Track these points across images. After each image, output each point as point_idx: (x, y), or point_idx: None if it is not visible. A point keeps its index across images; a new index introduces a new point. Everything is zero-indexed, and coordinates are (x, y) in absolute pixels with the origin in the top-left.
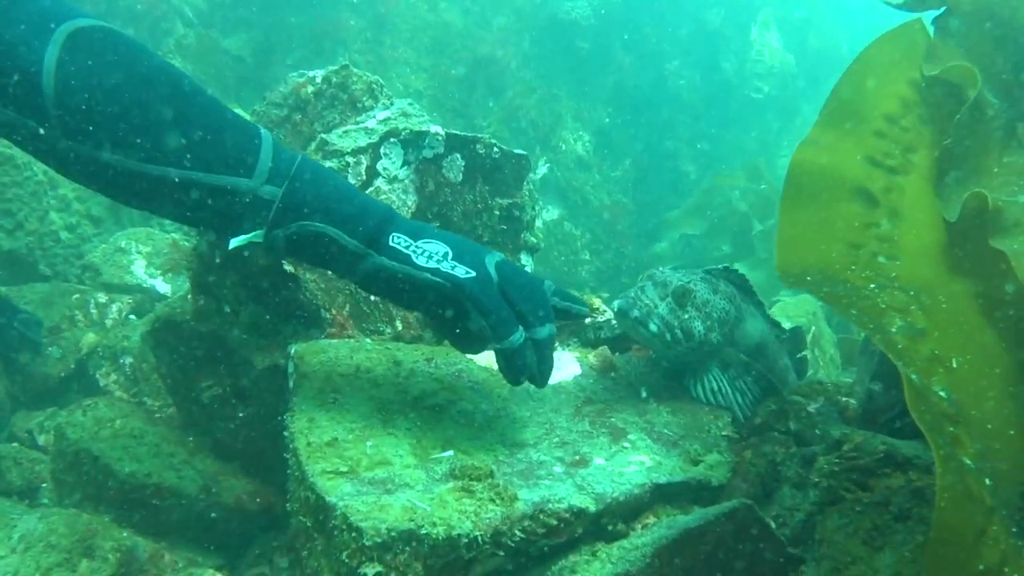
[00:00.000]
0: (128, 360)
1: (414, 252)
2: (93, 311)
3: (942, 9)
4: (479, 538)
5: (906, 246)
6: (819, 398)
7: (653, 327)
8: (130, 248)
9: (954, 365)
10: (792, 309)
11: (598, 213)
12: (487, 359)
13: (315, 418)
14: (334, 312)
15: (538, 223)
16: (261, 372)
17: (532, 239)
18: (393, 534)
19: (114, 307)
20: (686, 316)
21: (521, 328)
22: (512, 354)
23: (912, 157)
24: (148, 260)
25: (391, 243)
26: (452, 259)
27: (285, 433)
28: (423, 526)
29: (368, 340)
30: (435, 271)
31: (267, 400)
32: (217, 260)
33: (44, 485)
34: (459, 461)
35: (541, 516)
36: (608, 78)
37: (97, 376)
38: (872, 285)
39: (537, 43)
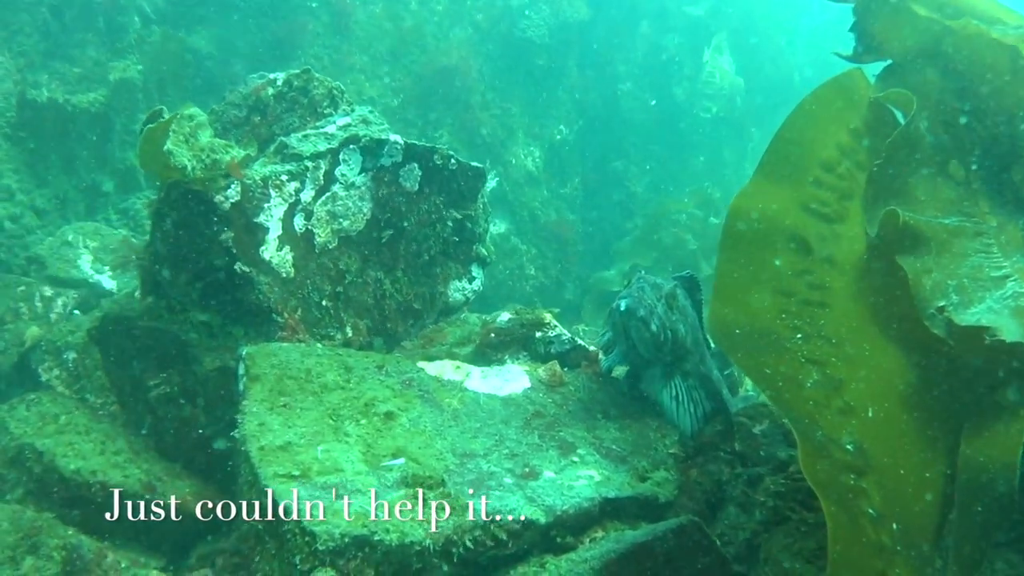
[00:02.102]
0: (72, 356)
1: None
2: (38, 304)
3: (889, 61)
4: (431, 546)
5: (837, 293)
6: (764, 421)
7: (654, 327)
8: (77, 242)
9: (870, 415)
10: None
11: (545, 229)
12: (437, 369)
13: (266, 422)
14: (286, 315)
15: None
16: (210, 373)
17: (483, 251)
18: (347, 539)
19: (59, 301)
20: (674, 318)
21: None
22: None
23: (848, 205)
24: (95, 255)
25: None
26: None
27: (236, 435)
28: (376, 532)
29: (319, 345)
30: None
31: (215, 401)
32: (169, 257)
33: None
34: (410, 469)
35: (492, 527)
36: (562, 96)
37: (39, 370)
38: (798, 335)
39: (493, 58)
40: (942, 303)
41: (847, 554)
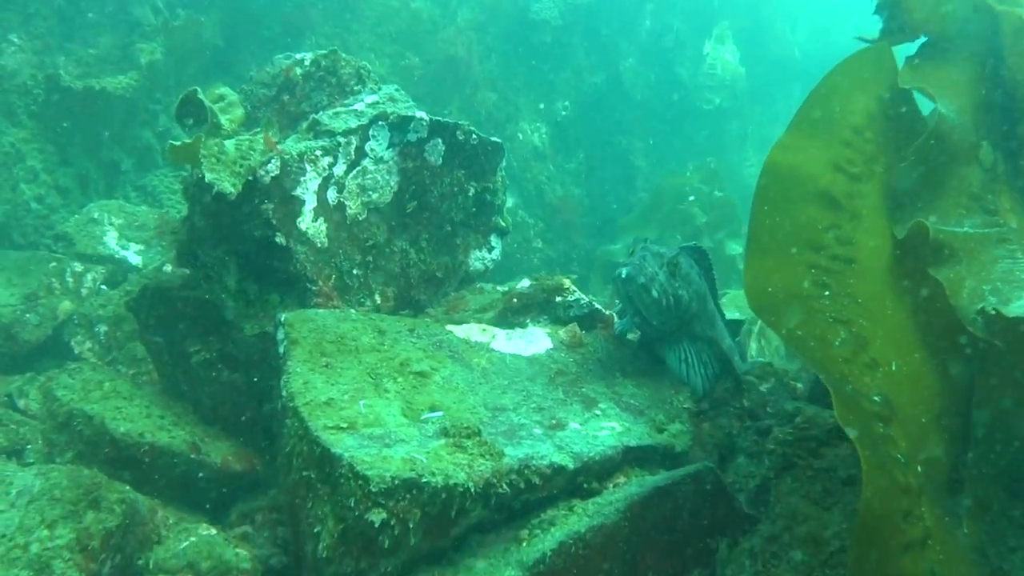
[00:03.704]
0: (103, 328)
1: None
2: (69, 279)
3: (923, 39)
4: (472, 488)
5: (862, 248)
6: (770, 379)
7: (655, 292)
8: (103, 219)
9: (893, 368)
10: (743, 300)
11: (551, 203)
12: (465, 332)
13: (310, 380)
14: (321, 283)
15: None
16: (250, 339)
17: (502, 223)
18: (396, 482)
19: (89, 276)
20: (676, 284)
21: None
22: None
23: (873, 166)
24: (120, 231)
25: None
26: None
27: (283, 394)
28: (423, 475)
29: (353, 311)
30: None
31: (254, 365)
32: (208, 230)
33: (29, 447)
34: (448, 421)
35: (526, 471)
36: (567, 74)
37: (72, 343)
38: (826, 292)
39: (500, 36)
40: (981, 306)
41: (878, 495)
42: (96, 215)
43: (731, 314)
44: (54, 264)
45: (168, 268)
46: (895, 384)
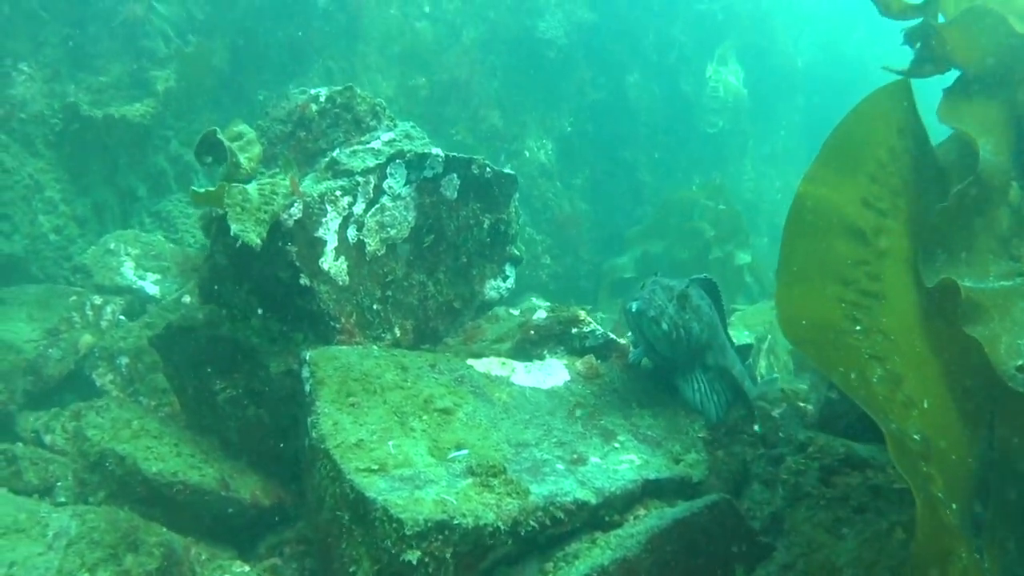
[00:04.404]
0: (124, 361)
1: None
2: (89, 313)
3: (956, 71)
4: (500, 527)
5: (890, 285)
6: (782, 404)
7: (665, 326)
8: (119, 250)
9: (925, 406)
10: (751, 319)
11: (559, 219)
12: (485, 366)
13: (339, 421)
14: (343, 320)
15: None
16: (276, 376)
17: (516, 251)
18: (429, 524)
19: (108, 309)
20: (687, 316)
21: None
22: None
23: (898, 201)
24: (136, 262)
25: None
26: None
27: (313, 435)
28: (455, 517)
29: (374, 347)
30: None
31: (280, 401)
32: (231, 270)
33: (59, 484)
34: (474, 459)
35: (551, 508)
36: (572, 90)
37: (94, 376)
38: (858, 327)
39: (506, 54)
40: (1021, 362)
41: (930, 536)
42: (112, 246)
43: (740, 333)
44: (74, 298)
45: (187, 299)
46: (929, 423)
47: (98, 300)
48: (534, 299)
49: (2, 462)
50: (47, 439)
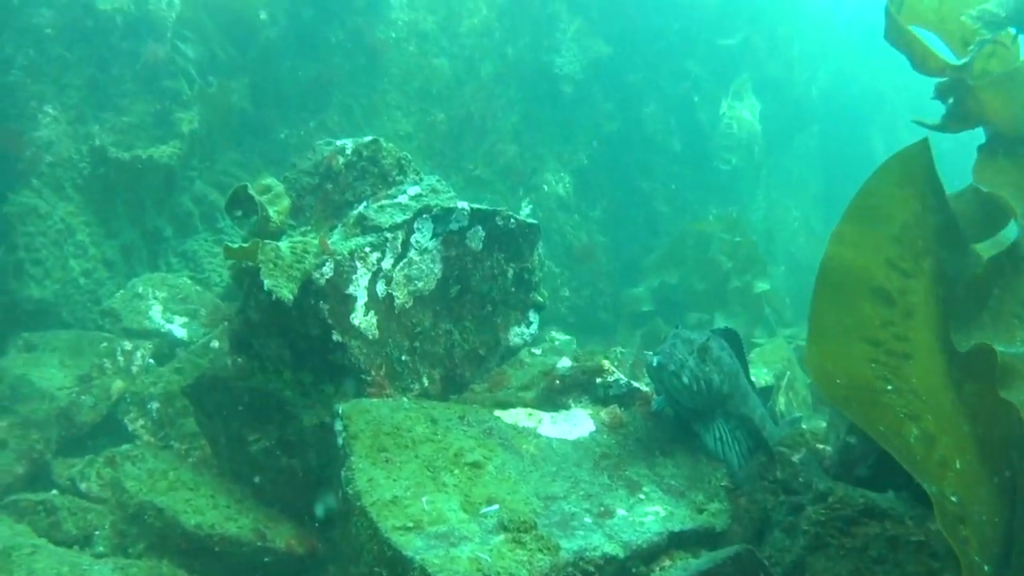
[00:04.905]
0: (155, 406)
1: None
2: (120, 359)
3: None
4: None
5: (917, 345)
6: (801, 449)
7: (686, 379)
8: (147, 294)
9: (958, 466)
10: (769, 355)
11: (576, 252)
12: (512, 417)
13: (374, 477)
14: (373, 373)
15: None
16: (309, 428)
17: (539, 298)
18: None
19: (138, 354)
20: (707, 368)
21: None
22: None
23: (922, 263)
24: (164, 305)
25: None
26: None
27: (348, 491)
28: (489, 575)
29: (405, 399)
30: None
31: (313, 452)
32: (263, 325)
33: (97, 532)
34: (505, 515)
35: (581, 563)
36: (589, 121)
37: (125, 421)
38: (889, 386)
39: (523, 89)
40: None
41: None
42: (141, 290)
43: (759, 371)
44: (105, 344)
45: (215, 344)
46: (961, 484)
47: (128, 346)
48: (554, 332)
49: (41, 512)
50: (83, 486)
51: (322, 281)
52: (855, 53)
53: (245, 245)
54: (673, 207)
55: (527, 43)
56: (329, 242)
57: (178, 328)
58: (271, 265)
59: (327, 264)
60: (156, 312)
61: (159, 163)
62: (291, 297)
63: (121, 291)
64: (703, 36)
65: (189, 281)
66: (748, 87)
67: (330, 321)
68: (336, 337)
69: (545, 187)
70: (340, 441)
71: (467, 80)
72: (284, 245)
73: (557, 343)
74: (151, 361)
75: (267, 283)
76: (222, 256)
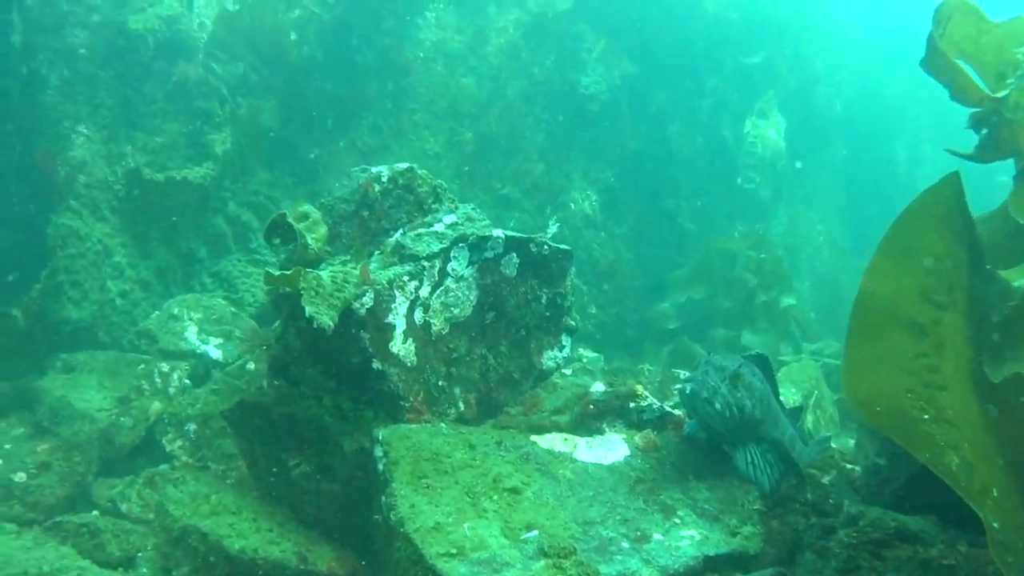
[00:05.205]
0: (192, 427)
1: None
2: (157, 380)
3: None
4: None
5: (949, 376)
6: (831, 471)
7: (718, 405)
8: (182, 315)
9: (995, 494)
10: (796, 374)
11: (603, 269)
12: (548, 442)
13: (416, 504)
14: (412, 399)
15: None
16: (349, 454)
17: (571, 322)
18: None
19: (175, 375)
20: (739, 395)
21: None
22: None
23: (954, 295)
24: (199, 326)
25: None
26: None
27: (391, 517)
28: None
29: (443, 425)
30: None
31: (353, 476)
32: (303, 352)
33: (140, 554)
34: (545, 540)
35: None
36: (615, 139)
37: (164, 442)
38: (926, 416)
39: (549, 108)
40: None
41: None
42: (176, 311)
43: (787, 390)
44: (142, 366)
45: (251, 366)
46: (1001, 512)
47: (165, 367)
48: (581, 350)
49: (85, 535)
50: (123, 507)
51: (363, 311)
52: (879, 67)
53: (286, 272)
54: (698, 224)
55: (553, 63)
56: (372, 276)
57: (213, 349)
58: (312, 293)
59: (367, 294)
60: (191, 333)
61: (193, 184)
62: (332, 325)
63: (157, 312)
64: (727, 54)
65: (223, 302)
66: (773, 104)
67: (370, 349)
68: (376, 365)
69: (572, 205)
70: (380, 467)
71: (494, 99)
72: (325, 274)
73: (585, 360)
74: (187, 382)
75: (308, 311)
76: (255, 277)
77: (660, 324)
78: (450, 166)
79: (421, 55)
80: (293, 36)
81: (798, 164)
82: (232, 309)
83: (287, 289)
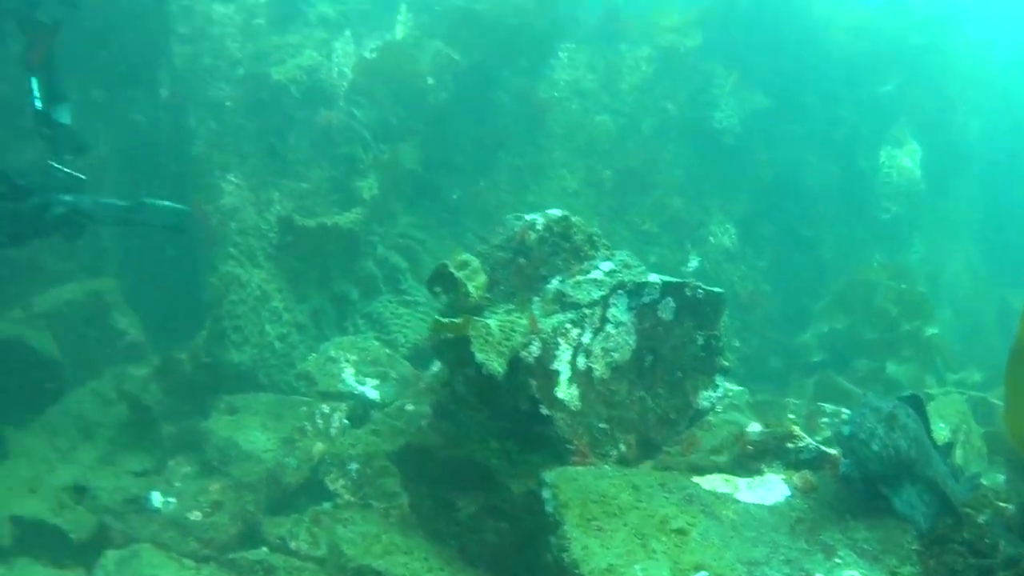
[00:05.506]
0: (354, 467)
1: None
2: (319, 421)
3: None
4: None
5: None
6: (986, 510)
7: (876, 447)
8: (339, 357)
9: None
10: (944, 408)
11: (744, 302)
12: (710, 483)
13: (588, 545)
14: (576, 443)
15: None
16: (517, 496)
17: (725, 362)
18: None
19: (336, 416)
20: (895, 435)
21: None
22: None
23: None
24: (356, 368)
25: None
26: None
27: (565, 560)
28: None
29: (607, 467)
30: None
31: (520, 517)
32: (471, 397)
33: None
34: None
35: None
36: (750, 171)
37: (326, 481)
38: None
39: (684, 143)
40: None
41: None
42: (333, 353)
43: (936, 425)
44: (305, 408)
45: (409, 407)
46: None
47: (326, 409)
48: (726, 384)
49: (259, 571)
50: (292, 545)
51: (531, 359)
52: (1018, 85)
53: (455, 321)
54: (836, 253)
55: (686, 98)
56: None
57: (370, 390)
58: (482, 341)
59: (535, 343)
60: (349, 375)
61: (344, 229)
62: (501, 371)
63: (314, 355)
64: (859, 82)
65: (377, 344)
66: (907, 132)
67: (538, 396)
68: (544, 411)
69: (711, 239)
70: (550, 508)
71: (629, 136)
72: (493, 322)
73: (731, 394)
74: (346, 422)
75: (479, 357)
76: (406, 318)
77: (803, 356)
78: (589, 203)
79: (556, 94)
80: (430, 80)
81: (934, 191)
82: (387, 351)
83: (449, 335)
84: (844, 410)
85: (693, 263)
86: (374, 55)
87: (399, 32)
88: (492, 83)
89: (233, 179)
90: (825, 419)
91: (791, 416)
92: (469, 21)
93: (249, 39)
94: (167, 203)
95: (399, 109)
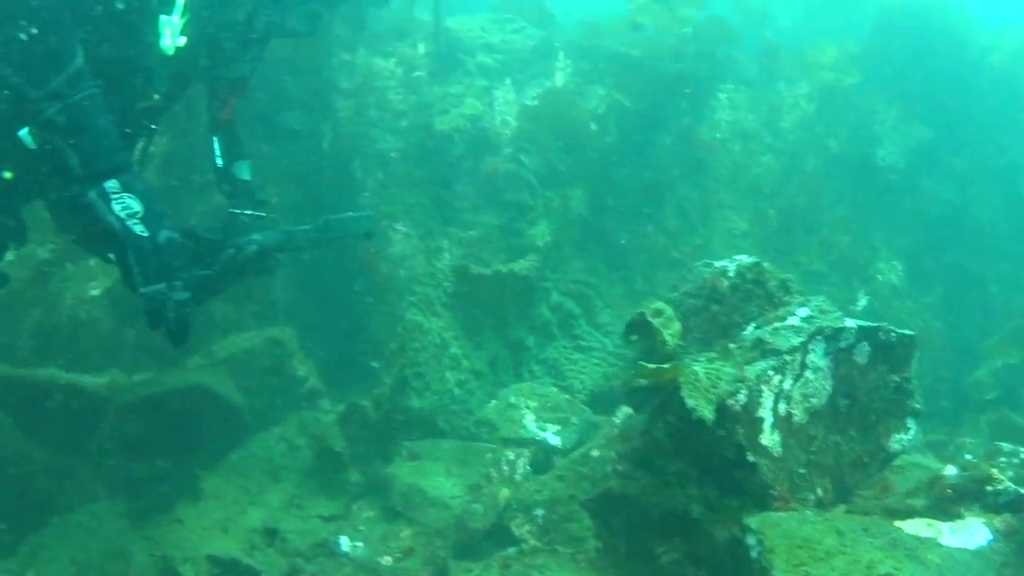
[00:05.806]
0: (540, 512)
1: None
2: (504, 468)
3: None
4: None
5: None
6: None
7: None
8: (519, 403)
9: None
10: None
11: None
12: (913, 528)
13: None
14: (777, 488)
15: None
16: (720, 542)
17: (916, 405)
18: None
19: (520, 463)
20: None
21: (163, 285)
22: (148, 303)
23: None
24: (536, 414)
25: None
26: (138, 219)
27: None
28: None
29: (808, 512)
30: (120, 220)
31: (721, 563)
32: (671, 444)
33: None
34: None
35: None
36: (915, 206)
37: (511, 526)
38: None
39: (848, 180)
40: None
41: None
42: (513, 399)
43: None
44: (489, 455)
45: (595, 453)
46: None
47: (511, 455)
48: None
49: None
50: None
51: (737, 407)
52: None
53: (663, 367)
54: (1004, 286)
55: (848, 135)
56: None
57: (551, 436)
58: (691, 387)
59: (742, 391)
60: (529, 421)
61: (519, 276)
62: (710, 418)
63: (494, 401)
64: (1019, 109)
65: (556, 390)
66: None
67: (744, 443)
68: (750, 457)
69: (879, 277)
70: (755, 554)
71: (792, 175)
72: (700, 369)
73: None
74: (529, 468)
75: (689, 403)
76: (581, 363)
77: (977, 394)
78: (757, 243)
79: (718, 136)
80: (593, 127)
81: None
82: (566, 396)
83: (651, 381)
84: (1023, 449)
85: (862, 302)
86: (536, 102)
87: (559, 79)
88: (655, 126)
89: (401, 228)
90: (1003, 459)
91: (968, 456)
92: (630, 67)
93: (411, 91)
94: (349, 213)
95: (564, 155)
